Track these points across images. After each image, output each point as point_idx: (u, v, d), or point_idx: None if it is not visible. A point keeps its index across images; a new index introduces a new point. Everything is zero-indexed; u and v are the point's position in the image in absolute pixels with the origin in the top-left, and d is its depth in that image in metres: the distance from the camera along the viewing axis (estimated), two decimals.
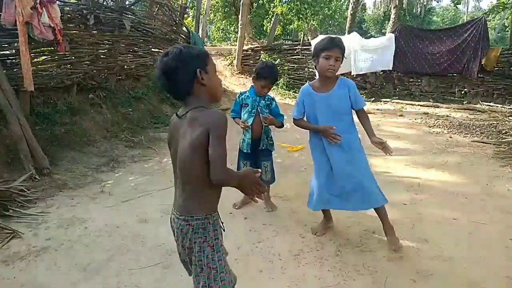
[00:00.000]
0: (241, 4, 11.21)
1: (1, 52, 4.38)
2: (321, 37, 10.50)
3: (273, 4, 17.25)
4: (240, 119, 3.11)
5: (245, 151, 3.14)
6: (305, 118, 2.66)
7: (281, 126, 3.14)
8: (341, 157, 2.53)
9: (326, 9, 19.07)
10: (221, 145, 1.32)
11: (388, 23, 19.16)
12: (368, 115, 2.68)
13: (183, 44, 1.45)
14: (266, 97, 3.10)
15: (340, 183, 2.56)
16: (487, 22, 10.23)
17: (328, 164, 2.58)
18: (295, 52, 11.01)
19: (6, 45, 4.36)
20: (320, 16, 17.87)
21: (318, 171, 2.66)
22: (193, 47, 1.46)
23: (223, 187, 1.46)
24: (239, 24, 11.51)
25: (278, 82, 10.59)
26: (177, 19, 8.33)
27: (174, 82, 1.38)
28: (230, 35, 20.67)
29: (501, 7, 12.76)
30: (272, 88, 3.18)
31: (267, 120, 3.01)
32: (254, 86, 3.07)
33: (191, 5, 16.82)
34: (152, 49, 7.37)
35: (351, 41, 9.35)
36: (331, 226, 2.89)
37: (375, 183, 2.60)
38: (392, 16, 16.45)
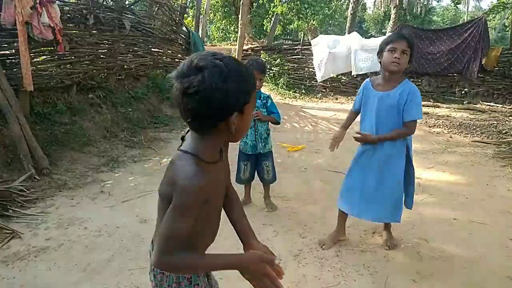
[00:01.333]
0: (241, 3, 11.18)
1: (1, 52, 4.37)
2: (321, 36, 10.53)
3: (273, 4, 17.24)
4: None
5: (250, 153, 3.11)
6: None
7: (277, 122, 3.11)
8: (375, 176, 2.41)
9: (326, 9, 19.08)
10: (175, 219, 0.96)
11: (388, 23, 19.15)
12: None
13: (231, 59, 0.96)
14: (262, 96, 3.07)
15: (367, 196, 2.48)
16: (487, 21, 10.23)
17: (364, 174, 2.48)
18: (295, 52, 11.00)
19: (6, 45, 4.35)
20: (320, 16, 17.87)
21: (354, 172, 2.56)
22: (244, 69, 1.00)
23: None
24: (239, 24, 11.48)
25: (278, 82, 10.61)
26: (177, 18, 8.32)
27: (193, 114, 0.96)
28: (230, 34, 20.64)
29: (501, 7, 12.76)
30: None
31: (258, 116, 2.98)
32: None
33: (191, 4, 16.82)
34: (152, 49, 7.36)
35: (351, 41, 9.35)
36: (344, 240, 2.72)
37: (400, 205, 2.50)
38: (392, 16, 16.44)
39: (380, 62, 2.33)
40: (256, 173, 3.24)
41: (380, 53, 2.33)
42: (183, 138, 1.09)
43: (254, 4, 17.62)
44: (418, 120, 2.39)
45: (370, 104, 2.39)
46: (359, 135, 2.39)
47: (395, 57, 2.21)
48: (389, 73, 2.29)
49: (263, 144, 3.10)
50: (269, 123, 3.11)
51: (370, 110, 2.39)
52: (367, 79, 2.48)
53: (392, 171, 2.40)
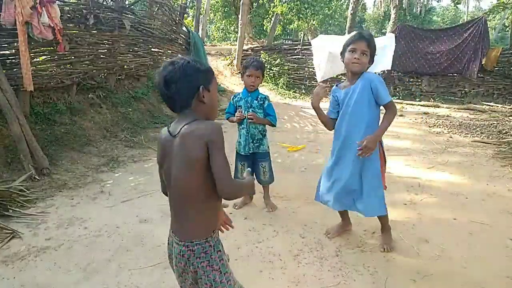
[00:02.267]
0: (241, 3, 11.20)
1: (1, 52, 4.37)
2: (321, 36, 10.53)
3: (273, 4, 17.22)
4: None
5: (242, 153, 3.13)
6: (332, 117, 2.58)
7: (272, 125, 3.11)
8: (352, 167, 2.45)
9: (326, 9, 19.01)
10: (223, 156, 1.26)
11: (388, 23, 19.16)
12: None
13: (192, 57, 1.37)
14: (259, 97, 3.06)
15: (341, 189, 2.52)
16: (487, 21, 10.23)
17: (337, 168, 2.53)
18: (295, 52, 11.01)
19: (6, 45, 4.36)
20: (320, 16, 17.82)
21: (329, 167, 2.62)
22: (201, 62, 1.38)
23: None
24: (239, 24, 11.50)
25: (278, 82, 10.61)
26: (177, 19, 8.32)
27: (174, 94, 1.31)
28: (230, 34, 20.63)
29: (501, 7, 12.77)
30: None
31: (253, 118, 2.98)
32: (244, 83, 3.04)
33: (191, 4, 16.80)
34: (152, 49, 7.37)
35: None
36: (349, 230, 2.83)
37: (379, 195, 2.48)
38: (392, 16, 16.44)
39: (343, 62, 2.43)
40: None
41: (342, 53, 2.44)
42: (169, 131, 1.35)
43: (254, 4, 17.60)
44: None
45: (342, 101, 2.46)
46: (364, 144, 2.32)
47: (355, 58, 2.32)
48: (352, 73, 2.40)
49: (256, 144, 3.10)
50: None
51: (344, 106, 2.45)
52: (334, 86, 2.57)
53: (369, 160, 2.43)
